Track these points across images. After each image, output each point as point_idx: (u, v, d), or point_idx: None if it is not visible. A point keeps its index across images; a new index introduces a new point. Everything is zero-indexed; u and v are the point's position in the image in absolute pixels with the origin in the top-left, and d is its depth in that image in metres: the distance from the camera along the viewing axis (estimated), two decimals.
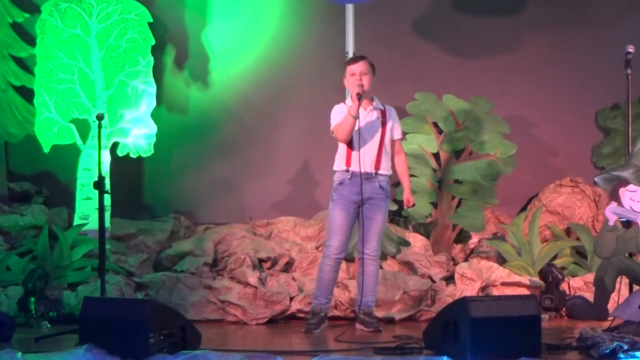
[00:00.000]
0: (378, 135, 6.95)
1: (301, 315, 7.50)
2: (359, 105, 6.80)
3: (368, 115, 6.95)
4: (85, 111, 8.69)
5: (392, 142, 7.07)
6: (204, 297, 7.69)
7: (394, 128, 7.09)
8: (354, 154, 6.90)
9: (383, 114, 7.02)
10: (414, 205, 8.05)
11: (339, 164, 7.00)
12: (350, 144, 6.91)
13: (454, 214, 8.77)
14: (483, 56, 9.20)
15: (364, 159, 6.89)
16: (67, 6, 8.68)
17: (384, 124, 6.99)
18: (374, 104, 7.00)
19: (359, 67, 6.91)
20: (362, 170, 6.88)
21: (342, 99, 7.26)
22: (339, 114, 6.93)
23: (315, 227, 8.75)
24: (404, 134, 8.84)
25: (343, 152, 6.96)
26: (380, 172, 6.96)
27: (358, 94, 6.80)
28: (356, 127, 6.82)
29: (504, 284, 7.77)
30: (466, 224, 8.73)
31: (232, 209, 9.16)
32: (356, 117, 6.78)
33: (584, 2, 9.26)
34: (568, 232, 8.75)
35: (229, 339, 6.84)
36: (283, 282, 7.84)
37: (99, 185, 6.91)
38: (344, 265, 7.32)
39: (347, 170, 6.93)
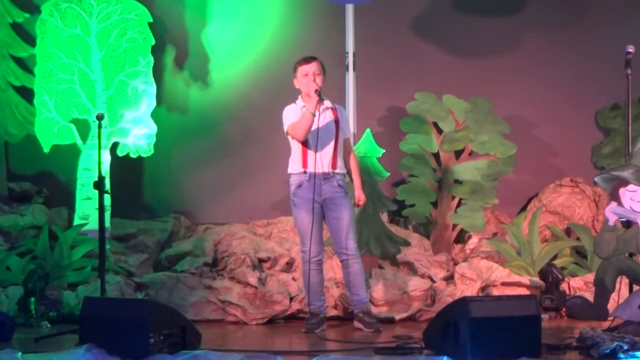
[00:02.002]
0: (333, 135, 6.95)
1: (301, 315, 7.50)
2: (317, 102, 6.80)
3: (322, 114, 6.94)
4: (85, 111, 8.69)
5: (344, 141, 7.07)
6: (204, 297, 7.69)
7: (346, 127, 7.11)
8: (311, 154, 6.89)
9: (334, 112, 7.02)
10: (411, 204, 8.06)
11: (294, 166, 6.97)
12: (306, 145, 6.90)
13: (454, 214, 8.77)
14: (483, 56, 9.20)
15: (321, 159, 6.88)
16: (67, 6, 8.68)
17: (337, 123, 6.99)
18: (326, 103, 6.99)
19: (312, 67, 6.92)
20: (320, 171, 6.88)
21: (342, 99, 7.26)
22: (292, 114, 6.93)
23: None
24: (404, 133, 8.89)
25: (298, 154, 6.94)
26: (336, 171, 6.96)
27: (317, 90, 6.80)
28: (313, 127, 6.81)
29: (504, 284, 7.77)
30: (466, 224, 8.73)
31: (232, 209, 9.16)
32: (314, 115, 6.78)
33: (583, 2, 9.26)
34: (568, 232, 8.74)
35: (229, 339, 6.84)
36: (283, 282, 7.84)
37: (99, 185, 6.92)
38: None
39: (305, 172, 6.92)
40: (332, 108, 7.02)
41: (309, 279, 6.94)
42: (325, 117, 6.94)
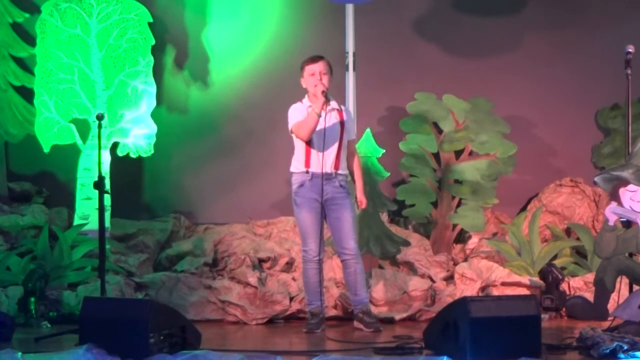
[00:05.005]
0: (337, 135, 6.94)
1: (301, 315, 7.50)
2: (324, 103, 6.80)
3: (328, 115, 6.92)
4: (85, 111, 8.69)
5: (348, 142, 7.07)
6: (204, 297, 7.69)
7: (351, 128, 7.11)
8: (314, 154, 6.89)
9: (340, 113, 7.02)
10: (411, 204, 8.08)
11: (297, 165, 6.97)
12: (310, 144, 6.90)
13: (454, 214, 8.77)
14: (483, 56, 9.20)
15: (325, 160, 6.87)
16: (67, 6, 8.68)
17: (342, 124, 6.99)
18: (332, 104, 6.99)
19: (319, 66, 6.90)
20: (322, 171, 6.88)
21: (342, 99, 7.25)
22: (298, 113, 6.92)
23: None
24: (404, 133, 8.89)
25: (301, 153, 6.93)
26: (339, 172, 6.96)
27: (324, 91, 6.80)
28: (319, 127, 6.82)
29: (504, 284, 7.77)
30: (466, 224, 8.73)
31: (232, 209, 9.16)
32: (320, 115, 6.77)
33: (584, 2, 9.26)
34: (568, 232, 8.74)
35: (229, 339, 6.84)
36: (283, 282, 7.84)
37: (99, 185, 6.92)
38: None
39: (307, 172, 6.91)
40: (338, 109, 7.01)
41: (309, 279, 6.95)
42: (331, 118, 6.93)
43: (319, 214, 6.92)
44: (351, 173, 7.14)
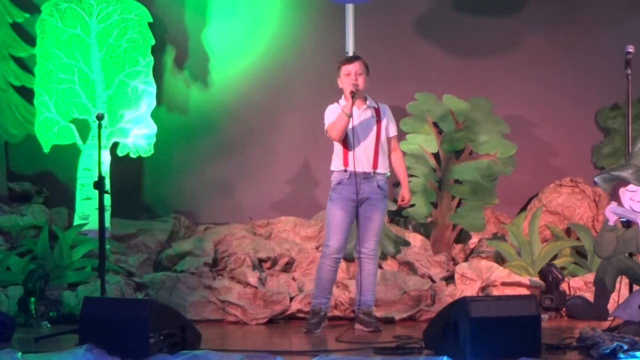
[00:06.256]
0: (373, 134, 6.95)
1: (301, 315, 7.51)
2: (353, 103, 6.81)
3: (362, 113, 6.94)
4: (85, 111, 8.69)
5: (388, 140, 7.07)
6: (204, 297, 7.69)
7: (389, 126, 7.10)
8: (351, 153, 6.90)
9: (377, 112, 7.03)
10: (411, 205, 8.08)
11: (336, 164, 6.99)
12: (345, 144, 6.92)
13: (454, 214, 8.77)
14: (483, 56, 9.20)
15: (361, 159, 6.89)
16: (67, 6, 8.68)
17: (378, 122, 6.99)
18: (368, 102, 7.01)
19: (355, 67, 6.91)
20: (360, 170, 6.89)
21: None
22: (333, 114, 6.94)
23: (315, 227, 8.76)
24: (404, 133, 8.88)
25: (340, 152, 6.96)
26: (378, 171, 6.96)
27: (352, 92, 6.80)
28: (350, 126, 6.83)
29: (504, 284, 7.77)
30: (466, 224, 8.73)
31: (232, 209, 9.16)
32: (349, 115, 6.79)
33: (583, 2, 9.26)
34: (568, 232, 8.75)
35: (229, 339, 6.84)
36: (283, 282, 7.84)
37: (99, 185, 6.92)
38: (343, 265, 7.32)
39: (345, 170, 6.93)
40: (375, 107, 7.02)
41: (323, 274, 6.95)
42: (364, 116, 6.94)
43: (351, 213, 6.92)
44: (395, 170, 7.14)
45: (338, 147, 6.98)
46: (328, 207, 7.00)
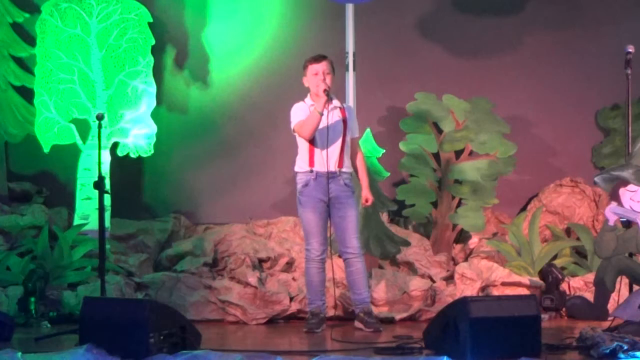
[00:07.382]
0: (340, 134, 6.95)
1: (301, 315, 7.50)
2: (325, 102, 6.80)
3: (330, 113, 6.92)
4: (85, 111, 8.69)
5: (352, 140, 7.06)
6: (204, 297, 7.69)
7: (353, 126, 7.10)
8: (318, 153, 6.89)
9: (342, 112, 7.02)
10: (411, 204, 8.08)
11: (301, 164, 6.97)
12: (313, 143, 6.90)
13: (454, 214, 8.77)
14: (483, 56, 9.20)
15: (328, 158, 6.88)
16: (67, 6, 8.68)
17: (344, 122, 6.99)
18: (334, 102, 6.99)
19: (322, 66, 6.90)
20: (327, 170, 6.88)
21: (342, 99, 7.25)
22: (301, 112, 6.92)
23: None
24: (404, 133, 8.88)
25: (305, 152, 6.94)
26: (343, 170, 6.96)
27: (325, 90, 6.80)
28: (322, 125, 6.82)
29: (504, 284, 7.77)
30: (466, 224, 8.73)
31: (232, 209, 9.16)
32: (322, 114, 6.78)
33: (584, 2, 9.26)
34: (568, 232, 8.75)
35: (229, 339, 6.84)
36: (283, 282, 7.84)
37: (99, 185, 6.92)
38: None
39: (311, 171, 6.92)
40: (340, 107, 7.02)
41: (312, 278, 6.95)
42: (333, 116, 6.93)
43: (324, 213, 6.93)
44: (356, 171, 7.14)
45: (303, 147, 6.95)
46: (300, 212, 6.99)
